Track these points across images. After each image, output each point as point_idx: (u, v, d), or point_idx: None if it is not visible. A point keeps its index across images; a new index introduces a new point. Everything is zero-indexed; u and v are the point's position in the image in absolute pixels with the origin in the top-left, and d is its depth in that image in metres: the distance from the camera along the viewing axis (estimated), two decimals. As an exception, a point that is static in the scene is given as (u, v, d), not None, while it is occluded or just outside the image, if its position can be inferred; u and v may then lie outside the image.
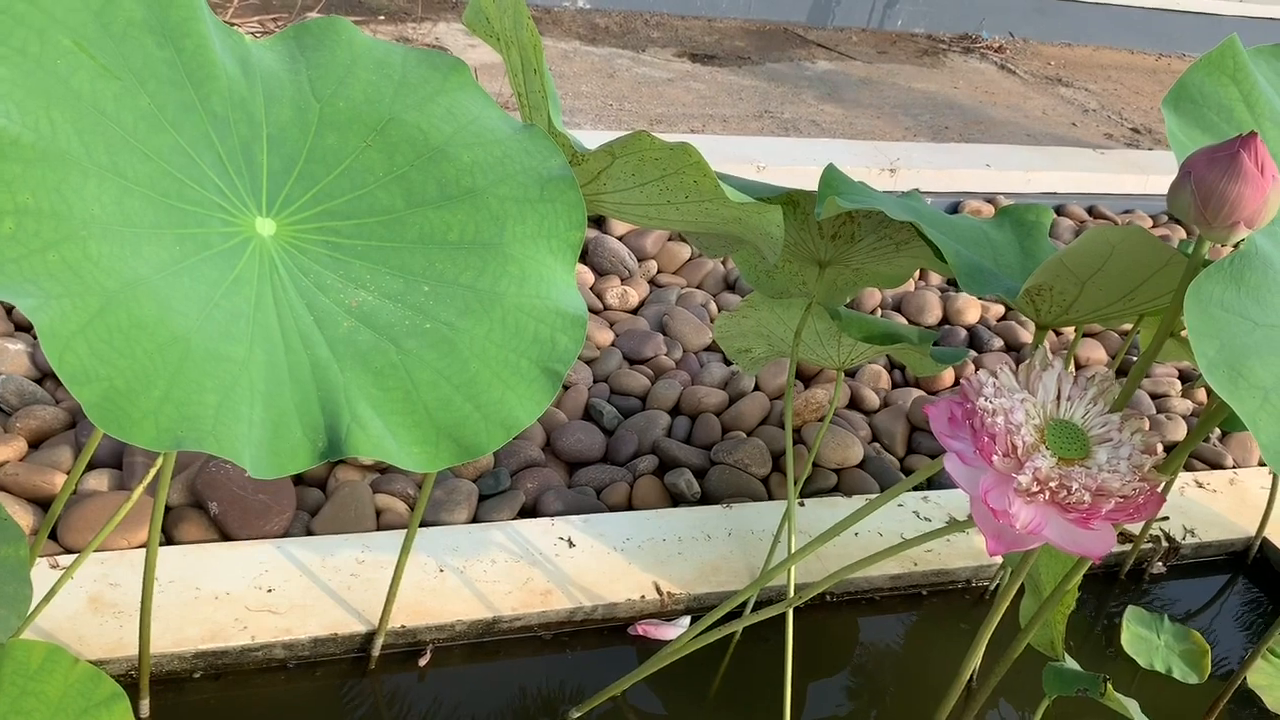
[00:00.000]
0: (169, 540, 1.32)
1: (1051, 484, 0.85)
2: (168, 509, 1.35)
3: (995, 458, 0.87)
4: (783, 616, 1.24)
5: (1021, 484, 0.85)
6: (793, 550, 1.29)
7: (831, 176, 1.08)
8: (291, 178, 0.74)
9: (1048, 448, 0.88)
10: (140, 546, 1.28)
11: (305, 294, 0.70)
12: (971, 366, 2.05)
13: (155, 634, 1.16)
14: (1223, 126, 0.84)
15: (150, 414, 0.59)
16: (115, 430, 0.57)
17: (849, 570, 1.05)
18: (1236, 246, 0.77)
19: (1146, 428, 0.90)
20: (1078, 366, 2.12)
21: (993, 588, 1.53)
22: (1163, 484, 0.88)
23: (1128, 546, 1.61)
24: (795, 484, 1.47)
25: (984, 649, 1.16)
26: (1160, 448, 0.89)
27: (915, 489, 1.68)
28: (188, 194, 0.67)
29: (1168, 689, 1.44)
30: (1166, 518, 1.68)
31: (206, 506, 1.33)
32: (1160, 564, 1.64)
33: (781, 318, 1.41)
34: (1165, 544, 1.64)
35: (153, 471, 1.10)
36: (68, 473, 1.38)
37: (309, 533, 1.37)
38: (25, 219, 0.57)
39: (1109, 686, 1.05)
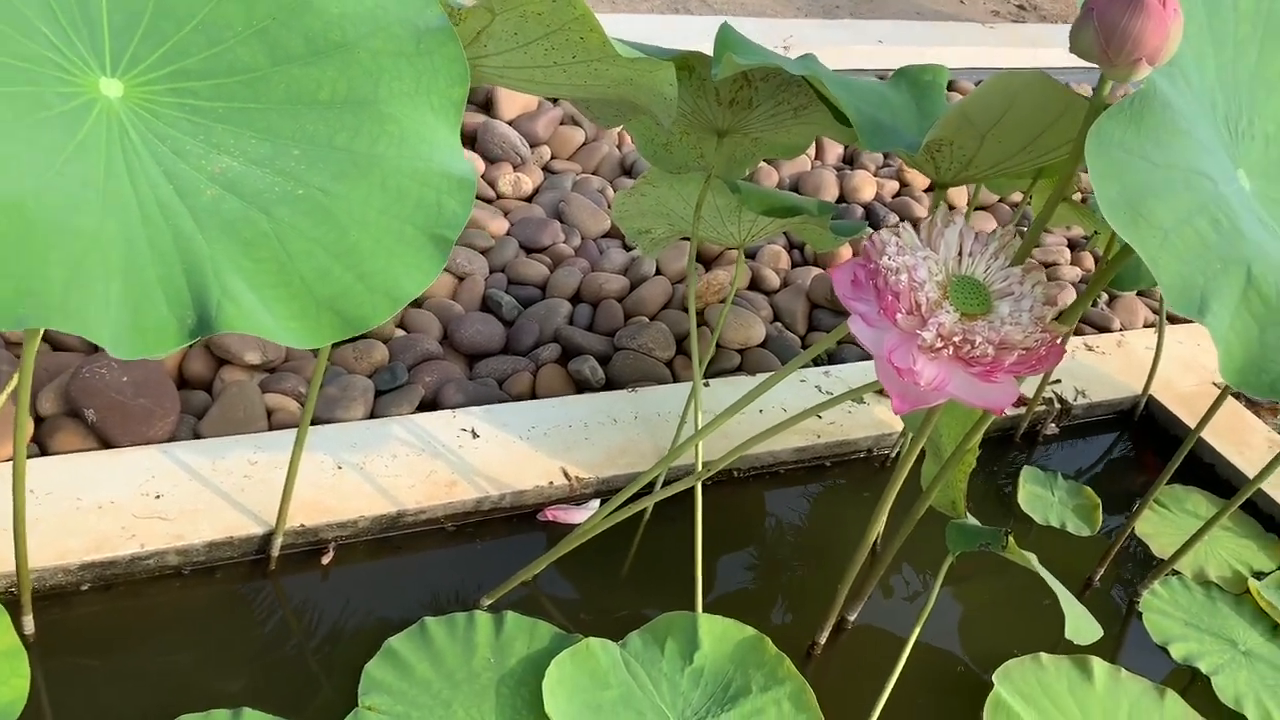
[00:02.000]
0: (44, 451, 1.24)
1: (955, 339, 0.85)
2: (41, 419, 1.27)
3: (899, 316, 0.86)
4: (691, 496, 1.24)
5: (926, 340, 0.84)
6: (698, 427, 1.28)
7: (728, 36, 1.04)
8: (137, 34, 0.67)
9: (951, 303, 0.87)
10: (8, 460, 1.21)
11: (162, 161, 0.64)
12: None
13: (35, 547, 1.09)
14: (1121, -35, 0.82)
15: (-14, 290, 0.53)
16: (-54, 307, 0.52)
17: (753, 442, 1.04)
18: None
19: (1046, 280, 0.90)
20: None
21: (893, 455, 1.56)
22: (1063, 335, 0.89)
23: (1022, 410, 1.65)
24: (700, 364, 1.46)
25: (887, 513, 1.17)
26: (1060, 299, 0.90)
27: (816, 364, 1.68)
28: (10, 46, 0.60)
29: (1063, 545, 1.50)
30: (1059, 380, 1.73)
31: (83, 414, 1.25)
32: (1054, 425, 1.69)
33: (681, 194, 1.38)
34: (1058, 406, 1.69)
35: (15, 378, 1.02)
36: (-75, 387, 1.29)
37: (196, 436, 1.31)
38: None
39: (1010, 539, 1.08)
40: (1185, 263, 0.71)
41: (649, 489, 1.36)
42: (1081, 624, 1.12)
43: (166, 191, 0.62)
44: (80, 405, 1.26)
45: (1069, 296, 1.98)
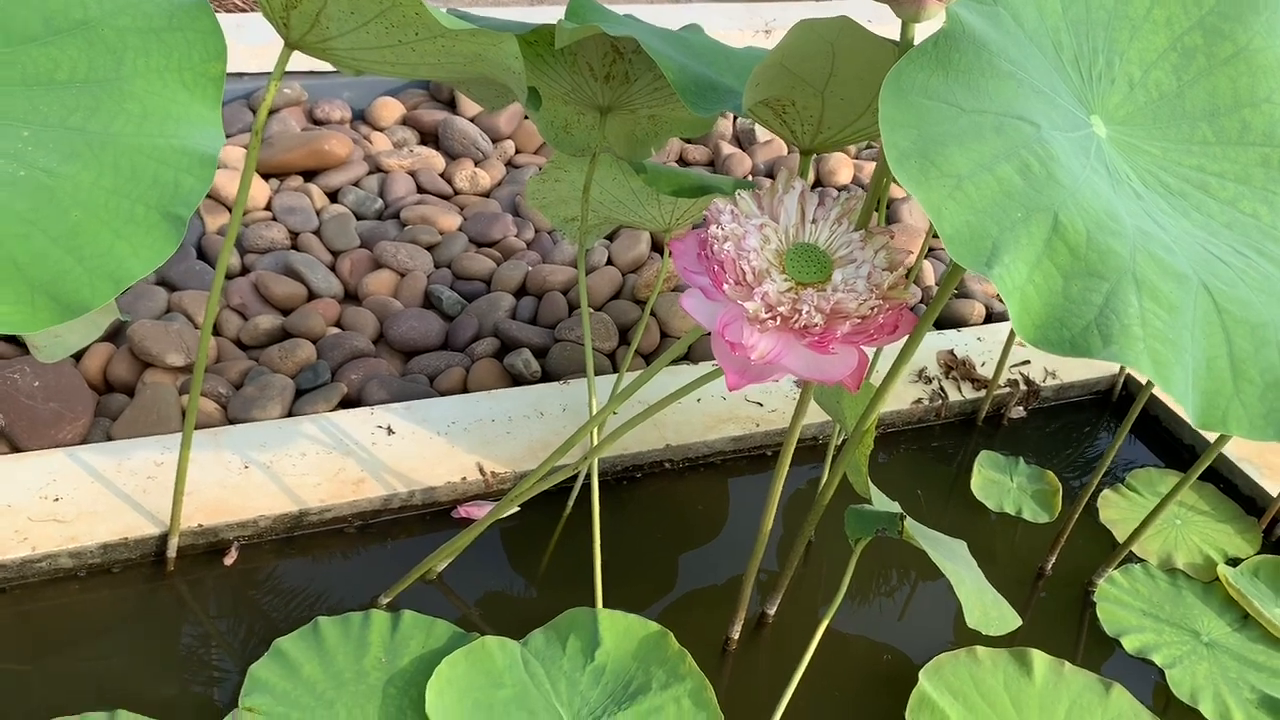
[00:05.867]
0: (-46, 457, 1.25)
1: (782, 309, 0.79)
2: (-44, 426, 1.28)
3: (726, 286, 0.81)
4: (623, 491, 1.20)
5: (750, 310, 0.79)
6: (591, 414, 1.24)
7: (579, 4, 1.00)
8: None
9: (784, 273, 0.82)
10: (-81, 466, 1.22)
11: (-124, 147, 0.62)
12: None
13: (-76, 552, 1.10)
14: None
15: None
16: None
17: (615, 437, 1.00)
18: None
19: (894, 243, 0.84)
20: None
21: (838, 442, 1.49)
22: (913, 302, 0.83)
23: (982, 393, 1.58)
24: (631, 352, 1.42)
25: (777, 501, 1.11)
26: (908, 264, 0.84)
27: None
28: None
29: (1021, 533, 1.42)
30: (1027, 361, 1.64)
31: (-7, 420, 1.26)
32: (1020, 408, 1.61)
33: (594, 177, 1.34)
34: (1024, 387, 1.60)
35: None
36: None
37: (109, 439, 1.31)
38: None
39: (905, 524, 1.02)
40: (976, 212, 0.65)
41: (572, 480, 1.33)
42: (990, 612, 1.05)
43: (-128, 178, 0.61)
44: (-9, 411, 1.26)
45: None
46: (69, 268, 0.63)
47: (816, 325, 0.79)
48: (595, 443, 1.23)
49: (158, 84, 0.69)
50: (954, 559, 1.08)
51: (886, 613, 1.29)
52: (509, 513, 1.23)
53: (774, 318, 0.80)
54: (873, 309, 0.80)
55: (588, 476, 1.35)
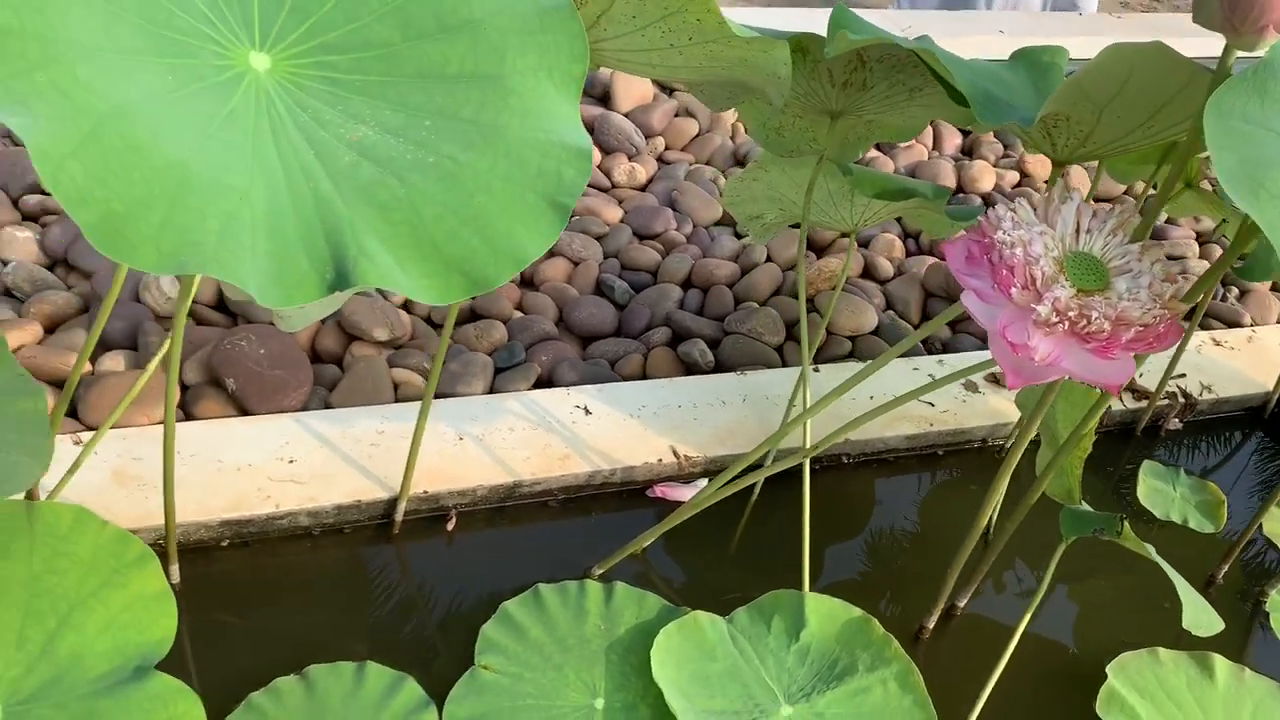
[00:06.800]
0: (188, 416, 1.33)
1: (1071, 314, 0.84)
2: (186, 387, 1.36)
3: (1014, 290, 0.86)
4: (797, 483, 1.25)
5: (1041, 314, 0.84)
6: (807, 407, 1.29)
7: (842, 15, 1.05)
8: (284, 11, 0.71)
9: (1067, 279, 0.86)
10: (160, 423, 1.29)
11: (304, 129, 0.68)
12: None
13: (180, 504, 1.17)
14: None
15: (150, 239, 0.58)
16: (115, 252, 0.57)
17: (863, 420, 1.05)
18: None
19: (1165, 259, 0.89)
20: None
21: (1008, 446, 1.53)
22: (1181, 313, 0.87)
23: (1143, 404, 1.61)
24: (809, 349, 1.47)
25: (999, 501, 1.16)
26: (1180, 278, 0.88)
27: (930, 353, 1.67)
28: (176, 23, 0.65)
29: (1185, 541, 1.45)
30: (1183, 375, 1.67)
31: (224, 383, 1.33)
32: (1176, 420, 1.64)
33: (792, 178, 1.39)
34: (1182, 400, 1.64)
35: (166, 345, 1.10)
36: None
37: (327, 406, 1.38)
38: (8, 39, 0.56)
39: (1126, 525, 1.06)
40: (1309, 232, 0.69)
41: (757, 466, 1.38)
42: (1201, 615, 1.09)
43: (308, 157, 0.67)
44: (221, 375, 1.34)
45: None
46: (476, 247, 0.69)
47: (1104, 331, 0.84)
48: (807, 436, 1.28)
49: (532, 81, 0.74)
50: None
51: (1061, 611, 1.33)
52: (710, 490, 1.29)
53: (1062, 322, 0.84)
54: (1155, 318, 0.85)
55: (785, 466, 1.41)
